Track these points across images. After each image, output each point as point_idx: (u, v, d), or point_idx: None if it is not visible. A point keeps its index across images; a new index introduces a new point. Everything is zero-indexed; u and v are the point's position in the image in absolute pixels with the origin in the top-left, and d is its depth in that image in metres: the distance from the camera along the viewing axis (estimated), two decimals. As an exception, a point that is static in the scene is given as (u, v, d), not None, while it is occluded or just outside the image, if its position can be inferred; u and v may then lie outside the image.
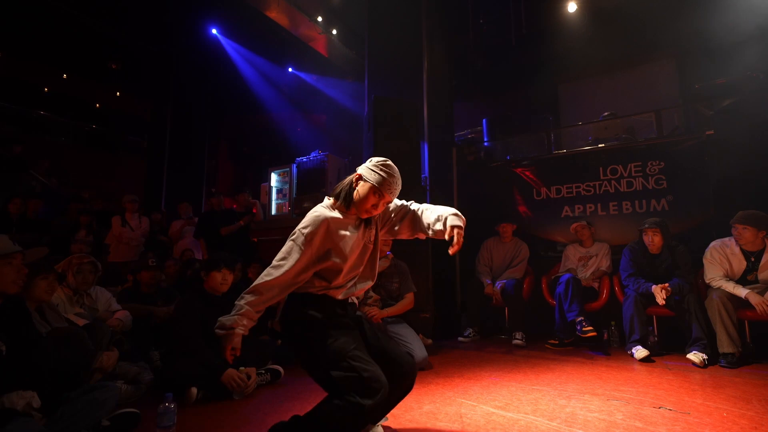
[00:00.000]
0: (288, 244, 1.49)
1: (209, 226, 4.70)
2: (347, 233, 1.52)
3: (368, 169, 1.53)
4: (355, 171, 1.57)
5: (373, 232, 1.64)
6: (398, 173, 1.55)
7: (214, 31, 7.36)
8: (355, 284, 1.61)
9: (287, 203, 5.41)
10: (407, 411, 2.04)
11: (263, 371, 2.58)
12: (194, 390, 2.24)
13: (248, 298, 1.44)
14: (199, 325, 2.44)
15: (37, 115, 8.15)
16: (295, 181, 5.29)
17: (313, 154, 5.18)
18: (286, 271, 1.43)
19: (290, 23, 6.50)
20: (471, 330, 3.88)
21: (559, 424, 1.85)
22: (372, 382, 1.36)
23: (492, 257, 4.13)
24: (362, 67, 5.14)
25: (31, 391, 1.59)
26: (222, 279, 2.58)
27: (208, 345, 2.42)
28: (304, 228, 1.48)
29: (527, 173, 4.48)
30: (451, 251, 1.45)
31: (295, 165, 5.33)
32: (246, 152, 8.62)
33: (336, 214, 1.53)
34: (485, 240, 4.23)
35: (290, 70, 8.21)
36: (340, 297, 1.56)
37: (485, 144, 5.18)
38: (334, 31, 6.77)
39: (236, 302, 1.45)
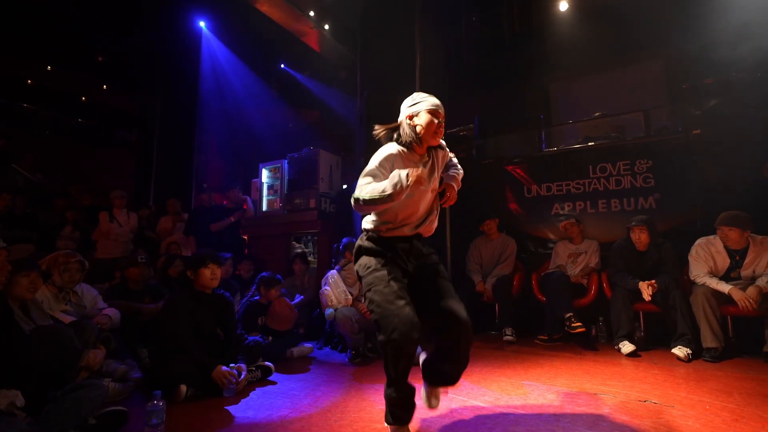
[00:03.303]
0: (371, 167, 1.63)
1: (199, 223, 4.65)
2: (415, 167, 1.63)
3: (412, 106, 1.71)
4: (397, 121, 1.74)
5: (436, 174, 1.76)
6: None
7: (202, 24, 7.24)
8: (421, 218, 1.74)
9: (278, 199, 5.35)
10: (398, 407, 2.05)
11: (254, 368, 2.57)
12: (183, 387, 2.21)
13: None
14: (189, 322, 2.42)
15: (21, 109, 7.93)
16: (286, 176, 5.23)
17: (304, 150, 5.13)
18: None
19: (281, 17, 6.41)
20: (462, 326, 3.91)
21: (547, 418, 1.88)
22: (385, 320, 1.48)
23: (481, 255, 4.16)
24: (355, 62, 5.10)
25: (15, 389, 1.56)
26: (211, 274, 2.56)
27: (199, 343, 2.40)
28: (376, 159, 1.63)
29: (518, 171, 4.51)
30: (443, 204, 1.75)
31: (286, 161, 5.26)
32: (237, 147, 8.52)
33: (403, 149, 1.68)
34: (474, 239, 4.25)
35: (282, 66, 8.12)
36: (407, 233, 1.70)
37: (476, 141, 5.19)
38: (327, 27, 6.70)
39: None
